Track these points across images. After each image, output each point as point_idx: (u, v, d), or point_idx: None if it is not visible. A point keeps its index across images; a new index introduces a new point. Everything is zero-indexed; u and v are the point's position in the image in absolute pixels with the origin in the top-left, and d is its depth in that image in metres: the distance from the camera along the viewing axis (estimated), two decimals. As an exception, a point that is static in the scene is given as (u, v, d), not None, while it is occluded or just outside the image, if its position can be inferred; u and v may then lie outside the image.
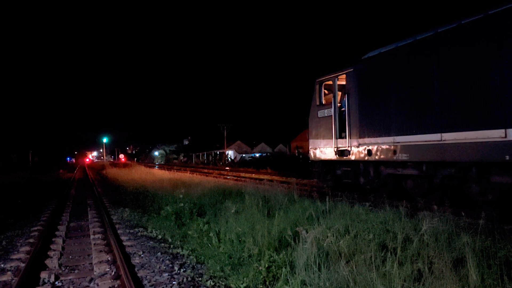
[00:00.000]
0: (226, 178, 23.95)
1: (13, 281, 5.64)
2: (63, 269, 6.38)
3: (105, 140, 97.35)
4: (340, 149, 12.22)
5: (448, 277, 3.97)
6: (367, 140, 11.08)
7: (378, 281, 4.11)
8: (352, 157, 11.68)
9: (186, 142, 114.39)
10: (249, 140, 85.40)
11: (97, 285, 5.39)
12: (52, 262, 6.58)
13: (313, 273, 4.64)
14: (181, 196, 11.48)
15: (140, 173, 27.71)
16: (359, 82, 11.50)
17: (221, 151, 72.95)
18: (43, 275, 5.87)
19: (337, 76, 12.51)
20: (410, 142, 9.59)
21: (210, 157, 74.73)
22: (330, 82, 12.88)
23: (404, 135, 9.79)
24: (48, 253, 7.20)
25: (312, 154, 13.90)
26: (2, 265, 6.58)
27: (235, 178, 24.10)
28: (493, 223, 6.80)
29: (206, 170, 37.48)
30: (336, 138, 12.35)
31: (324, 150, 13.10)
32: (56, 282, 5.71)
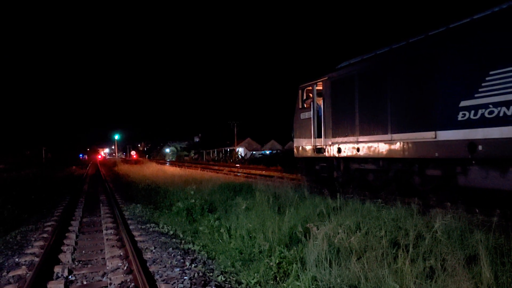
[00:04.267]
0: (237, 175, 23.99)
1: (28, 275, 5.72)
2: (77, 264, 6.45)
3: (117, 137, 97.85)
4: (318, 147, 13.76)
5: (461, 274, 3.94)
6: (338, 139, 12.64)
7: (390, 277, 4.10)
8: (327, 154, 13.25)
9: (196, 139, 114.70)
10: (259, 137, 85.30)
11: (110, 279, 5.44)
12: (66, 257, 6.66)
13: (324, 269, 4.63)
14: (192, 192, 11.54)
15: (151, 170, 27.89)
16: (332, 89, 13.02)
17: (231, 148, 73.04)
18: (57, 269, 5.94)
19: (315, 83, 13.97)
20: (369, 141, 11.14)
21: (221, 154, 74.95)
22: (310, 88, 14.36)
23: (365, 135, 11.31)
24: (62, 247, 7.28)
25: (296, 152, 15.42)
26: (17, 260, 6.67)
27: (245, 175, 24.12)
28: (507, 220, 6.75)
29: (216, 167, 37.58)
30: (315, 138, 13.92)
31: (305, 148, 14.65)
32: (70, 276, 5.78)
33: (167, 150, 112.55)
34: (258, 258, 5.91)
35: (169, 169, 29.09)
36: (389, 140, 10.32)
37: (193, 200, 10.24)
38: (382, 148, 10.63)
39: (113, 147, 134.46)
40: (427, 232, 5.20)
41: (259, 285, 5.08)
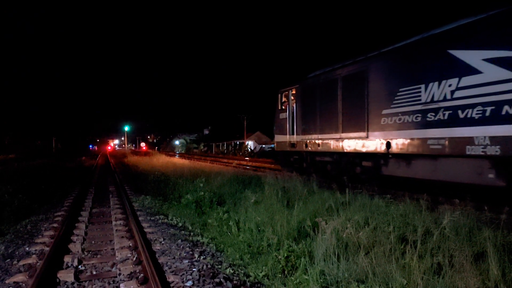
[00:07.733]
0: (246, 168, 24.02)
1: (38, 264, 5.79)
2: (86, 254, 6.52)
3: (126, 128, 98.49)
4: (292, 142, 16.49)
5: (468, 271, 3.94)
6: (305, 136, 15.32)
7: (398, 273, 4.11)
8: (298, 149, 15.94)
9: (206, 132, 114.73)
10: (268, 131, 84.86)
11: (119, 270, 5.50)
12: (75, 247, 6.73)
13: (332, 264, 4.65)
14: (201, 185, 11.59)
15: (161, 162, 28.03)
16: (302, 95, 15.68)
17: (241, 141, 73.05)
18: (67, 259, 6.01)
19: (291, 89, 16.75)
20: (326, 138, 13.79)
21: (230, 147, 74.94)
22: (287, 93, 17.07)
23: (324, 133, 13.98)
24: (71, 238, 7.36)
25: (276, 146, 18.23)
26: (27, 249, 6.76)
27: (254, 168, 24.15)
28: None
29: (226, 160, 37.63)
30: (290, 135, 16.68)
31: (283, 143, 17.35)
32: (79, 266, 5.85)
33: (177, 142, 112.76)
34: (266, 251, 5.94)
35: (179, 161, 29.22)
36: (339, 138, 12.93)
37: (202, 193, 10.29)
38: (335, 144, 13.23)
39: (122, 139, 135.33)
40: (435, 228, 5.19)
41: (267, 278, 5.11)
